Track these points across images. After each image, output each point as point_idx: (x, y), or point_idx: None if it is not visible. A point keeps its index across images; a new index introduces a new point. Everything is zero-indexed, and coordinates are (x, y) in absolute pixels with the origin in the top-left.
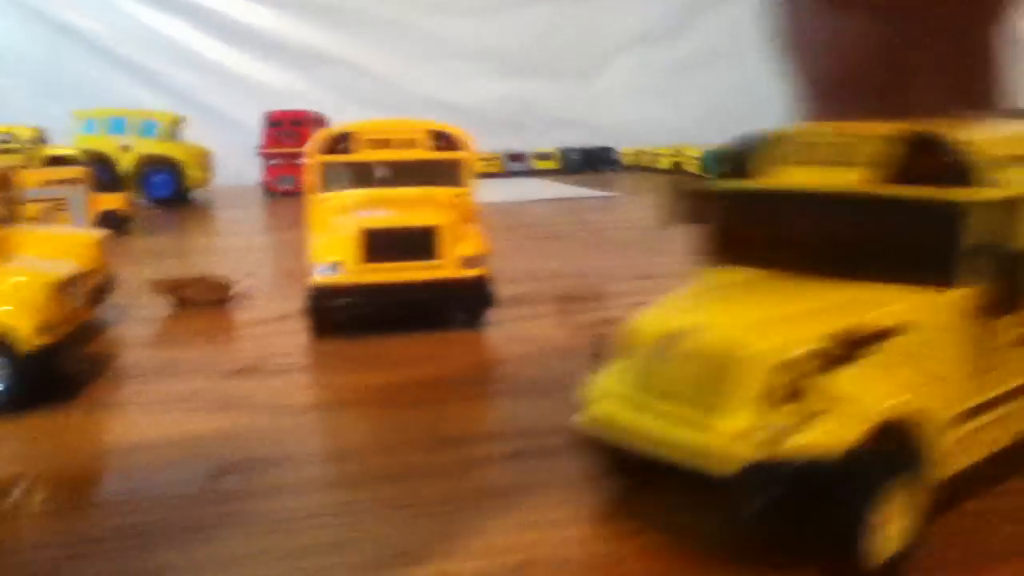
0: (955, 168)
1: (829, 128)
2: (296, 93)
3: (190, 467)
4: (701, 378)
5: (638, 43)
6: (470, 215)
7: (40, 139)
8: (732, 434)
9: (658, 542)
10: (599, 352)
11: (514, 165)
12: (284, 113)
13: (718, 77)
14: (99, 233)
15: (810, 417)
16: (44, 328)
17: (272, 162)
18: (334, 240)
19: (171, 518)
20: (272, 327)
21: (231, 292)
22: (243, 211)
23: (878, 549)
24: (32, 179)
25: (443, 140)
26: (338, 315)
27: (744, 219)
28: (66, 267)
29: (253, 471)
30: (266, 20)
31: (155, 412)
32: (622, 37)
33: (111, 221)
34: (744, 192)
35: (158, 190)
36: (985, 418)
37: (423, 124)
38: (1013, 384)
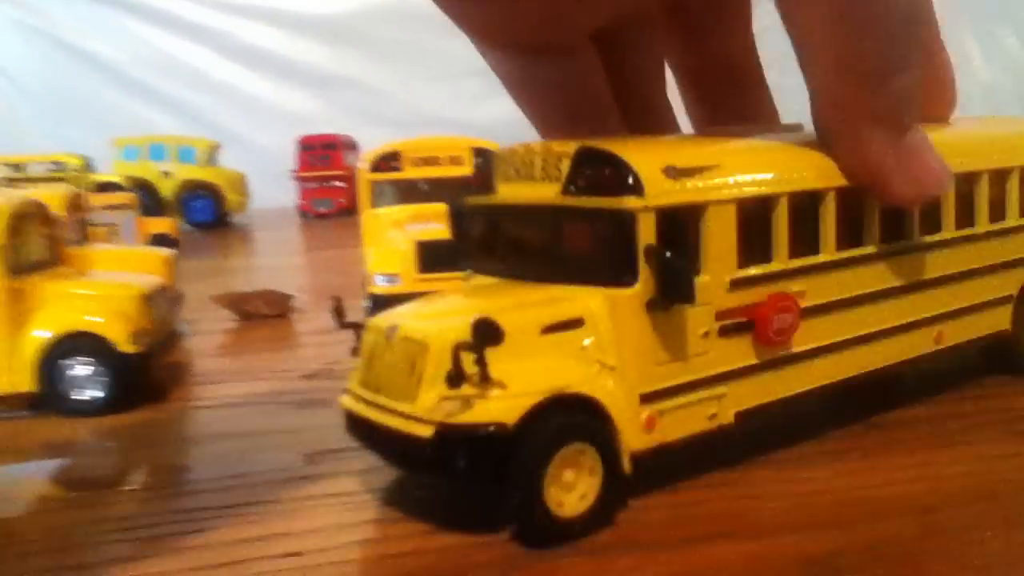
0: (624, 180)
1: (532, 147)
2: (316, 116)
3: (284, 454)
4: (403, 361)
5: None
6: None
7: (87, 167)
8: (427, 406)
9: None
10: (355, 344)
11: None
12: (316, 137)
13: None
14: (167, 251)
15: (487, 392)
16: (136, 336)
17: (307, 185)
18: (390, 252)
19: (274, 495)
20: (332, 337)
21: (291, 305)
22: (281, 233)
23: (564, 506)
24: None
25: (484, 156)
26: None
27: (478, 231)
28: (151, 280)
29: (339, 457)
30: (284, 45)
31: (242, 410)
32: None
33: (159, 244)
34: (471, 207)
35: (198, 214)
36: (687, 398)
37: (467, 142)
38: (717, 370)
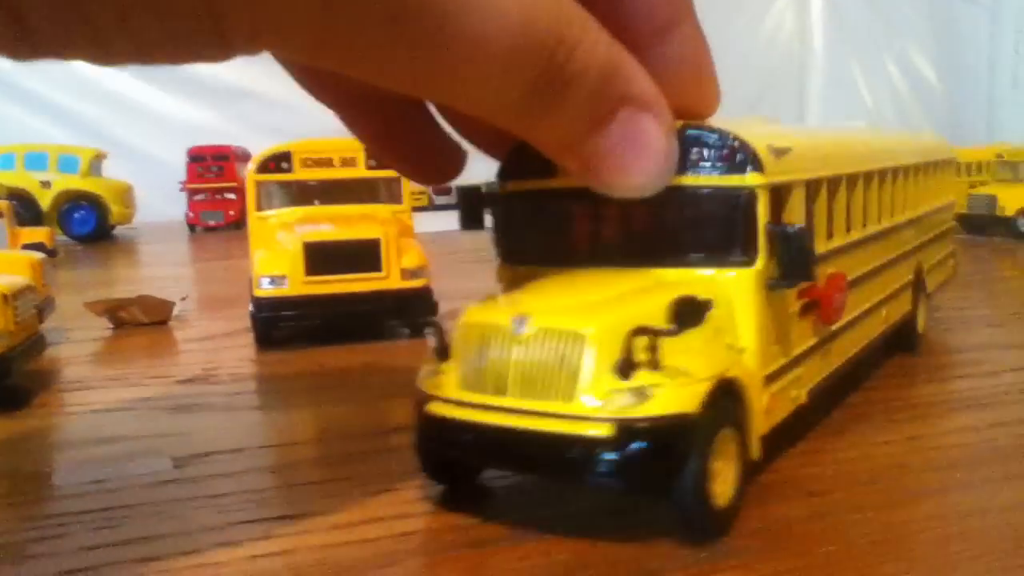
0: (743, 157)
1: None
2: (210, 127)
3: (155, 458)
4: (549, 356)
5: None
6: (408, 230)
7: None
8: (596, 402)
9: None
10: (438, 344)
11: (441, 199)
12: (207, 148)
13: None
14: (37, 255)
15: (658, 382)
16: None
17: (196, 197)
18: (276, 254)
19: (139, 500)
20: (215, 343)
21: (172, 312)
22: (167, 245)
23: (719, 495)
24: None
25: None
26: (283, 326)
27: (526, 218)
28: (15, 280)
29: (210, 461)
30: None
31: (111, 415)
32: None
33: None
34: (514, 193)
35: (80, 227)
36: (786, 379)
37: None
38: (800, 349)
